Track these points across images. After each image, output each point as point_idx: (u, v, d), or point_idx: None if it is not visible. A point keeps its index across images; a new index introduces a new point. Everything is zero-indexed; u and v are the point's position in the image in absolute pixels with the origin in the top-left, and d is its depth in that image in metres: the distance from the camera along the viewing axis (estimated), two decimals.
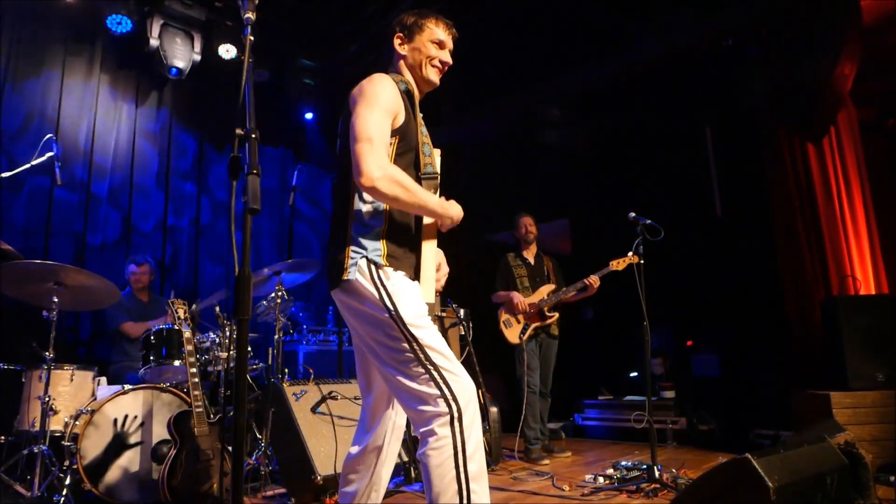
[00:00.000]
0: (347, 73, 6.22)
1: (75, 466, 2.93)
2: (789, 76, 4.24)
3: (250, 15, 1.59)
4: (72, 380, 3.34)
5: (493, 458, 4.02)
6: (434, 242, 1.95)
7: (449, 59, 2.01)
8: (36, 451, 2.95)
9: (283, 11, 5.67)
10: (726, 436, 4.75)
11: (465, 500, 1.58)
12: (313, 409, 3.24)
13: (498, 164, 6.87)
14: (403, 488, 3.34)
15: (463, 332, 4.35)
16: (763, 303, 4.79)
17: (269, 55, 5.95)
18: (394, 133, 1.81)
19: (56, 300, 3.08)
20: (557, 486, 3.39)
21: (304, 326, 5.19)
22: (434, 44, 1.98)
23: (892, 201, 4.48)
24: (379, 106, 1.76)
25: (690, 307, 5.38)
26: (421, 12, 2.01)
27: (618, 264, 4.07)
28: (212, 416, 3.00)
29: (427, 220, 1.91)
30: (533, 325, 4.46)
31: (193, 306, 3.44)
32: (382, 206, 1.80)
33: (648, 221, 3.45)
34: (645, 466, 3.34)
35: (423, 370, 1.67)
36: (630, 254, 3.88)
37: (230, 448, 2.68)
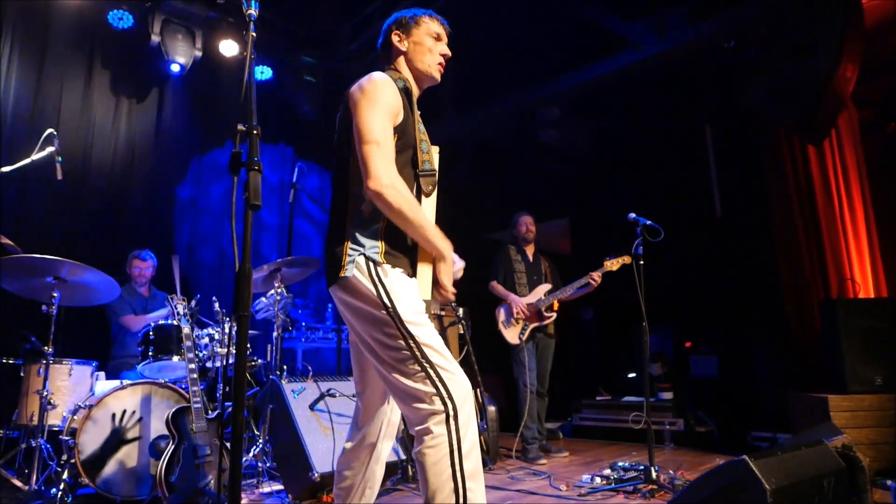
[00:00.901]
0: (348, 70, 6.23)
1: (73, 461, 2.93)
2: (790, 77, 4.23)
3: (253, 12, 1.60)
4: (70, 374, 3.34)
5: (491, 457, 4.02)
6: None
7: (448, 52, 2.03)
8: (34, 445, 2.95)
9: (285, 9, 5.68)
10: (724, 437, 4.74)
11: (461, 499, 1.58)
12: (311, 406, 3.25)
13: (497, 163, 6.87)
14: (401, 486, 3.35)
15: (462, 331, 4.34)
16: (762, 304, 4.80)
17: (271, 52, 5.97)
18: (392, 131, 1.81)
19: (55, 295, 3.08)
20: (555, 485, 3.40)
21: (303, 324, 5.19)
22: (432, 37, 1.99)
23: (892, 204, 4.47)
24: (381, 107, 1.77)
25: (689, 308, 5.38)
26: (414, 10, 2.04)
27: (612, 264, 4.07)
28: (210, 411, 3.01)
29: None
30: (531, 326, 4.46)
31: (193, 302, 3.44)
32: None
33: (648, 222, 3.44)
34: (642, 467, 3.34)
35: (419, 368, 1.66)
36: (624, 255, 3.90)
37: (228, 444, 2.68)
